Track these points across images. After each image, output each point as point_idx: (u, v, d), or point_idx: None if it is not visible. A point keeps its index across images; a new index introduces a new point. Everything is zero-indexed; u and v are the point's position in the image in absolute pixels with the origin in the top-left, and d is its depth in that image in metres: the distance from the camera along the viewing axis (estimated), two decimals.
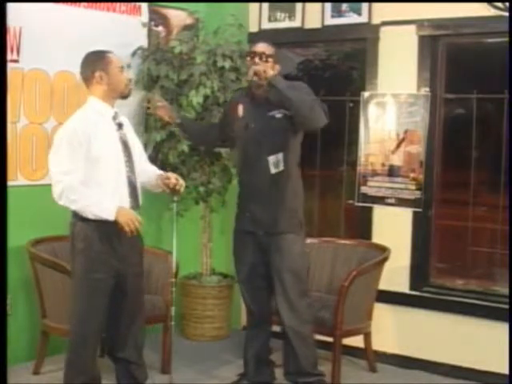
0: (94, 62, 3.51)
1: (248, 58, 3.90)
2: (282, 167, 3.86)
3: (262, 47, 3.89)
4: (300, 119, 3.74)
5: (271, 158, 3.84)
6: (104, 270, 3.46)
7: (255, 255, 3.98)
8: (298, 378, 3.98)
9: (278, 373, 4.11)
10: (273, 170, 3.85)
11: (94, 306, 3.48)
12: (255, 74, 3.75)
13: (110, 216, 3.40)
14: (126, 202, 3.51)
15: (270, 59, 3.84)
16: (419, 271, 4.62)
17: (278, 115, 3.85)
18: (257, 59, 3.83)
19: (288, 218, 3.91)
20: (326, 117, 3.76)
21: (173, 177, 3.67)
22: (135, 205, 3.57)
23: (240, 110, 3.97)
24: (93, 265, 3.45)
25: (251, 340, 4.10)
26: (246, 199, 3.98)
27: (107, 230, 3.44)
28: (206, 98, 4.62)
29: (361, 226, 4.86)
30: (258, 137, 3.87)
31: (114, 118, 3.56)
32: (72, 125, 3.47)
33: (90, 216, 3.40)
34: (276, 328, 4.33)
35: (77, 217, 3.46)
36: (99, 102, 3.52)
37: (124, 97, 3.60)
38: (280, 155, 3.85)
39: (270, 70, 3.79)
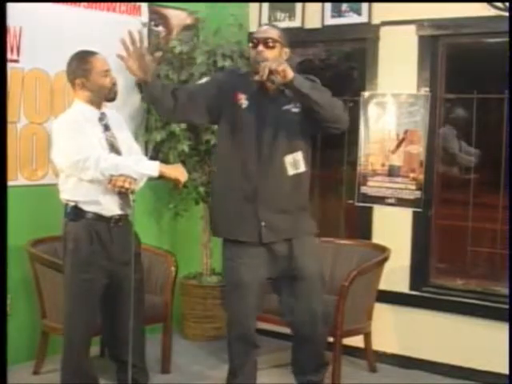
0: (76, 68, 3.46)
1: (251, 45, 3.39)
2: (302, 168, 3.47)
3: (265, 32, 3.40)
4: (329, 123, 3.35)
5: (288, 158, 3.43)
6: (94, 270, 3.44)
7: (266, 270, 3.54)
8: (310, 377, 3.77)
9: (281, 373, 4.10)
10: (291, 172, 3.44)
11: (83, 307, 3.47)
12: (271, 73, 3.18)
13: (154, 172, 3.36)
14: (115, 203, 3.46)
15: (276, 44, 3.36)
16: (419, 271, 4.62)
17: (295, 109, 3.43)
18: (261, 47, 3.34)
19: (308, 220, 3.64)
20: (347, 115, 3.44)
21: (120, 179, 3.33)
22: (125, 205, 3.49)
23: (241, 98, 3.44)
24: (82, 265, 3.42)
25: (246, 366, 3.76)
26: (256, 206, 3.44)
27: (98, 229, 3.43)
28: None
29: (361, 226, 4.85)
30: (272, 134, 3.41)
31: (101, 119, 3.50)
32: (64, 119, 3.47)
33: (135, 176, 3.34)
34: (275, 328, 4.34)
35: (68, 216, 3.45)
36: (84, 105, 3.49)
37: (109, 100, 3.53)
38: (298, 154, 3.45)
39: (288, 67, 3.20)
